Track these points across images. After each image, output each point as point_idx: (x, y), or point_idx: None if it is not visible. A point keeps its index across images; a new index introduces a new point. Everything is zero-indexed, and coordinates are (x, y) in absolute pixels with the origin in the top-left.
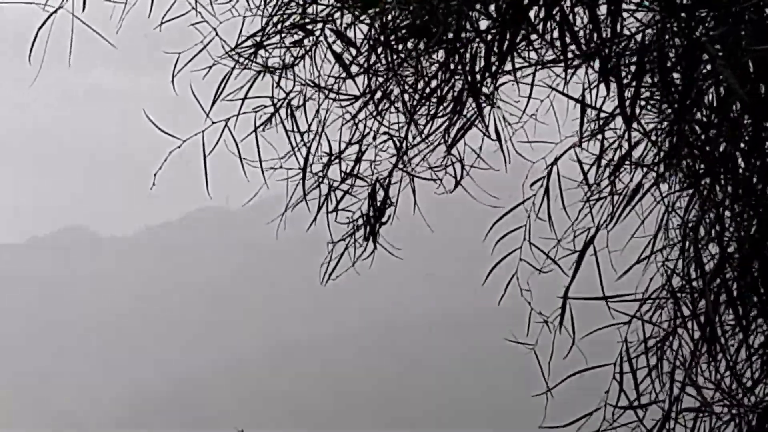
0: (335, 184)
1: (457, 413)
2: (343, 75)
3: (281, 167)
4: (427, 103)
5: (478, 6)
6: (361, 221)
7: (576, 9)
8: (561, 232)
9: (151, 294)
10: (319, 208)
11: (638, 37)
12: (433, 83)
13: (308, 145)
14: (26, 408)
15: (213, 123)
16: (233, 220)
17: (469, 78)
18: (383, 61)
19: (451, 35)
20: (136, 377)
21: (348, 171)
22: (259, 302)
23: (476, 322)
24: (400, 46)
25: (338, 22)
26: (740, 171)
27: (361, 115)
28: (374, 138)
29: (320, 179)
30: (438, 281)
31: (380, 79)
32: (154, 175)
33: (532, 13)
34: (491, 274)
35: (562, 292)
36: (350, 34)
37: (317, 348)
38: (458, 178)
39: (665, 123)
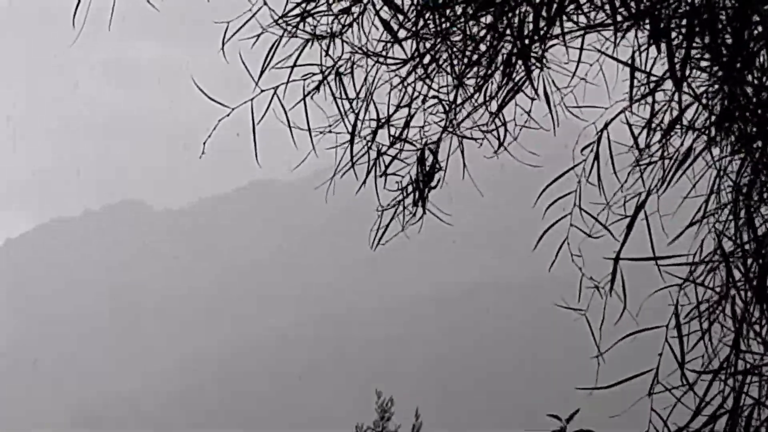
0: (383, 149)
1: (507, 378)
2: (391, 40)
3: (330, 132)
4: (476, 67)
5: None
6: (410, 187)
7: None
8: (612, 196)
9: (205, 265)
10: (368, 174)
11: None
12: (482, 47)
13: (357, 111)
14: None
15: (262, 91)
16: (285, 191)
17: (518, 42)
18: (431, 26)
19: None
20: (189, 346)
21: (396, 135)
22: (310, 272)
23: (528, 288)
24: (448, 11)
25: None
26: None
27: (410, 80)
28: (423, 102)
29: (369, 144)
30: (487, 247)
31: (428, 44)
32: (204, 143)
33: None
34: (542, 240)
35: (613, 257)
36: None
37: (371, 316)
38: (505, 141)
39: (716, 86)
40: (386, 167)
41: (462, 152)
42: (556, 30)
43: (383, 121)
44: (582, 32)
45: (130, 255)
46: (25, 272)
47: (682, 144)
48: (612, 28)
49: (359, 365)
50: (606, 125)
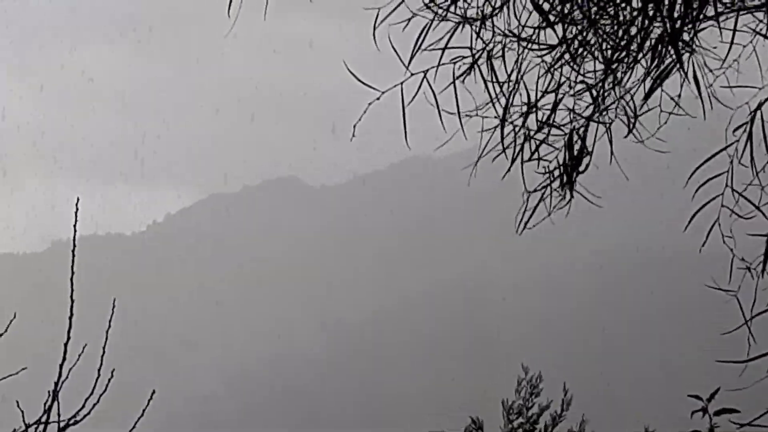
0: (532, 134)
1: (654, 351)
2: (542, 24)
3: (476, 115)
4: (625, 52)
5: None
6: (557, 171)
7: None
8: (765, 179)
9: (361, 238)
10: (515, 158)
11: None
12: (631, 31)
13: (508, 96)
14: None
15: (412, 75)
16: (437, 169)
17: (669, 25)
18: (580, 11)
19: None
20: (332, 314)
21: (544, 120)
22: (461, 244)
23: (677, 267)
24: None
25: None
26: None
27: (558, 65)
28: (570, 87)
29: (517, 129)
30: (638, 227)
31: (577, 29)
32: (354, 126)
33: None
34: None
35: (765, 240)
36: None
37: (526, 286)
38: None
39: None
40: (534, 151)
41: (610, 139)
42: (709, 11)
43: (531, 106)
44: (735, 13)
45: (287, 230)
46: (183, 247)
47: None
48: (766, 8)
49: (501, 339)
50: (759, 105)
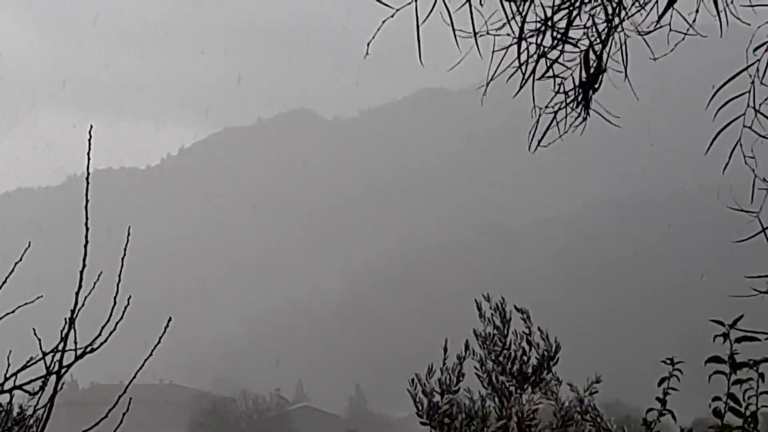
0: (546, 51)
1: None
2: None
3: (488, 33)
4: None
5: None
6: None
7: None
8: None
9: (374, 173)
10: (528, 75)
11: None
12: None
13: (524, 14)
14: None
15: None
16: (454, 100)
17: None
18: None
19: None
20: (351, 255)
21: (559, 37)
22: (480, 180)
23: (697, 194)
24: None
25: None
26: None
27: None
28: (586, 3)
29: (528, 46)
30: (658, 152)
31: None
32: (368, 44)
33: None
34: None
35: None
36: None
37: (544, 226)
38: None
39: None
40: (548, 68)
41: (625, 56)
42: None
43: (543, 22)
44: None
45: (301, 162)
46: (196, 179)
47: None
48: None
49: (524, 278)
50: None
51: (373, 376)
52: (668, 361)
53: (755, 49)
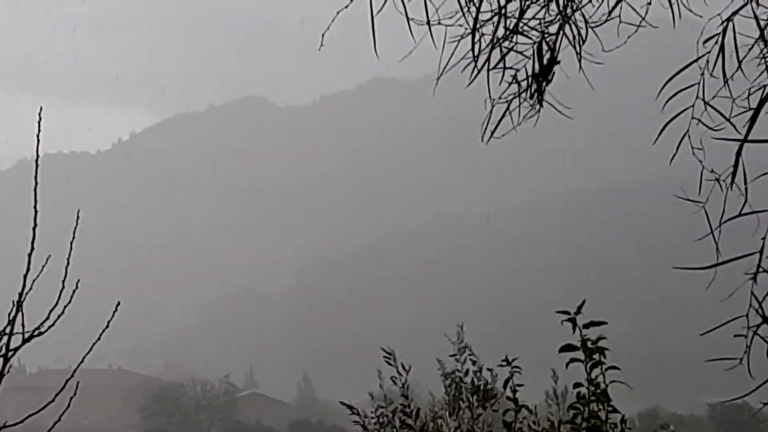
0: (498, 42)
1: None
2: None
3: (439, 23)
4: None
5: None
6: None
7: None
8: (736, 90)
9: (326, 160)
10: (481, 67)
11: None
12: None
13: (478, 4)
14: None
15: None
16: (407, 89)
17: None
18: None
19: None
20: (312, 236)
21: (511, 28)
22: (446, 166)
23: (649, 184)
24: None
25: None
26: None
27: None
28: None
29: (481, 36)
30: (612, 144)
31: None
32: (322, 35)
33: None
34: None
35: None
36: None
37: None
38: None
39: None
40: (500, 59)
41: (576, 47)
42: None
43: (494, 13)
44: None
45: (254, 149)
46: (147, 165)
47: None
48: None
49: (494, 263)
50: (731, 16)
51: (323, 364)
52: (504, 363)
53: (705, 41)
